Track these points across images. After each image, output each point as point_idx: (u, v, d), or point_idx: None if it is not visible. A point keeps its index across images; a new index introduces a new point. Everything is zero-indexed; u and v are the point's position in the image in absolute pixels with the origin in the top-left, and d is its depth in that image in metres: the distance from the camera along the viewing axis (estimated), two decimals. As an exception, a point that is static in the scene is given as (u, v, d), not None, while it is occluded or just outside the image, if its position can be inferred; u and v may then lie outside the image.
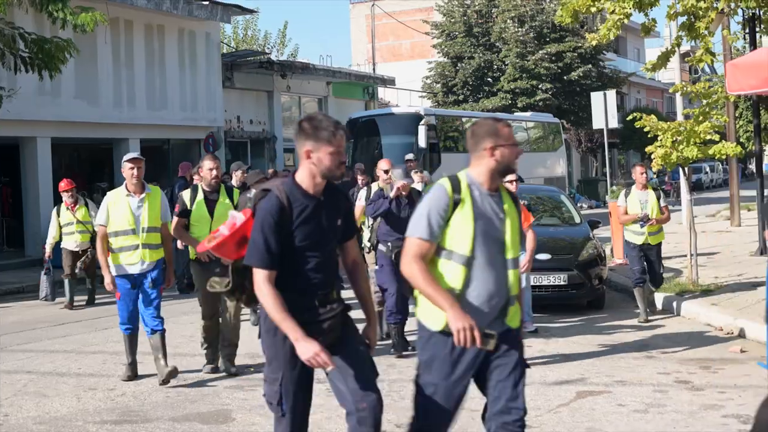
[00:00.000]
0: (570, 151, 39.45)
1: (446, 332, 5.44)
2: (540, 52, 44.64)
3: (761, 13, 18.29)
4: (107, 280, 10.21)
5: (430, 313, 5.54)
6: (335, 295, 5.77)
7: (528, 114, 39.03)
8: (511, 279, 5.62)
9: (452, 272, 5.50)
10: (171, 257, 10.70)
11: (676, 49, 18.36)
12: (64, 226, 16.77)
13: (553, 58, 44.76)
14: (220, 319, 10.79)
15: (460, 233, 5.49)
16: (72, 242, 16.79)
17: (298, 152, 5.67)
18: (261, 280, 5.48)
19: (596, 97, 24.47)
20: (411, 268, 5.47)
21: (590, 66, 45.88)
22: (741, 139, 35.04)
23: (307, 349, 5.35)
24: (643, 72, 19.81)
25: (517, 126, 35.39)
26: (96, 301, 16.97)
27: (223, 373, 10.54)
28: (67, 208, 16.77)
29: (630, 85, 65.28)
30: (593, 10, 16.91)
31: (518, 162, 5.75)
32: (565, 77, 44.96)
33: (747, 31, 21.13)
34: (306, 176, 5.62)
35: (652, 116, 16.33)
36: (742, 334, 11.94)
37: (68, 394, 9.88)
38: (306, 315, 5.53)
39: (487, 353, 5.52)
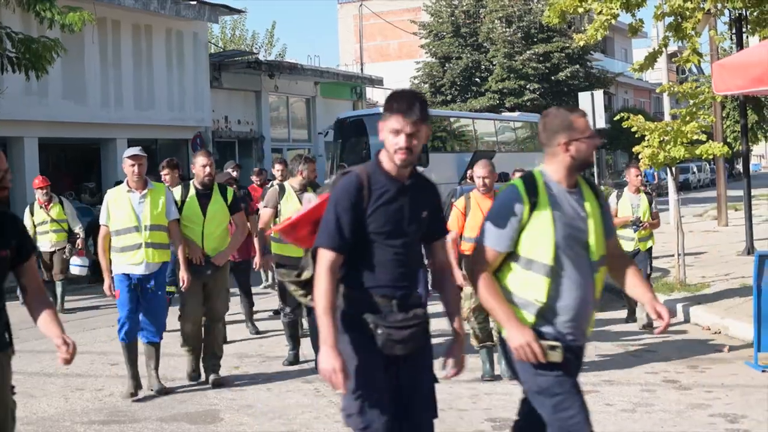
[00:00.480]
0: (558, 151, 39.45)
1: (538, 331, 5.03)
2: (528, 52, 44.73)
3: (747, 13, 18.33)
4: (107, 285, 9.69)
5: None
6: (417, 299, 5.12)
7: (516, 114, 39.06)
8: (597, 284, 5.18)
9: (533, 283, 5.03)
10: (184, 254, 9.89)
11: (663, 49, 18.40)
12: (38, 226, 16.10)
13: (541, 58, 44.83)
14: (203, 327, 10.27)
15: (540, 240, 5.01)
16: (47, 242, 16.19)
17: None
18: (324, 264, 4.89)
19: (584, 97, 24.51)
20: (477, 278, 5.07)
21: (578, 66, 45.95)
22: (728, 140, 35.15)
23: (328, 360, 4.76)
24: (631, 72, 19.83)
25: (505, 126, 35.42)
26: (66, 307, 16.36)
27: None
28: (41, 207, 16.19)
29: (617, 86, 65.39)
30: (580, 10, 16.92)
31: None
32: (552, 77, 45.02)
33: (734, 31, 21.22)
34: (386, 156, 5.03)
35: (640, 116, 16.38)
36: (728, 334, 11.98)
37: (55, 395, 9.87)
38: (380, 316, 4.96)
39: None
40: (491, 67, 45.86)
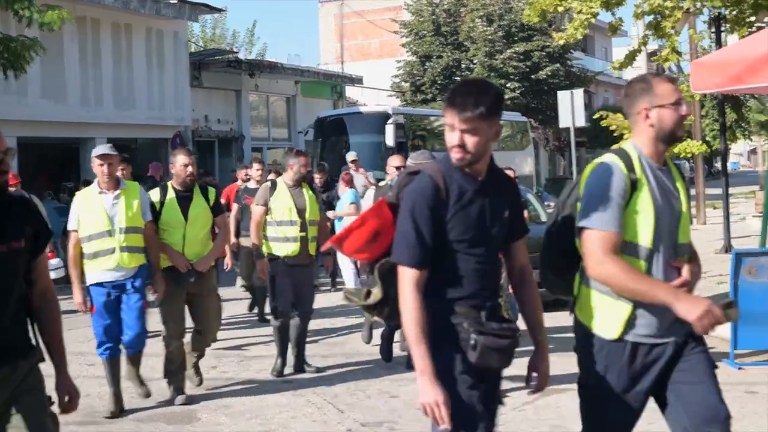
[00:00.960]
0: (538, 149, 39.56)
1: (623, 340, 4.59)
2: (508, 51, 44.77)
3: (726, 12, 18.39)
4: (77, 300, 8.91)
5: (602, 320, 4.63)
6: (503, 312, 4.58)
7: (496, 113, 39.10)
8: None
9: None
10: (158, 260, 9.15)
11: (643, 48, 18.45)
12: None
13: (521, 57, 44.89)
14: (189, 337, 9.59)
15: (641, 221, 4.53)
16: None
17: None
18: (408, 282, 4.29)
19: (563, 96, 24.45)
20: (607, 267, 4.47)
21: (558, 65, 46.03)
22: (707, 138, 35.30)
23: (429, 392, 4.15)
24: (611, 71, 19.88)
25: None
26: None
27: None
28: None
29: (598, 84, 65.51)
30: (561, 9, 16.96)
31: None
32: (533, 76, 45.08)
33: (713, 30, 21.26)
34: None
35: (618, 115, 16.42)
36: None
37: (32, 395, 9.80)
38: (475, 322, 4.41)
39: (673, 357, 4.69)
40: (472, 65, 45.92)
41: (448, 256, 4.39)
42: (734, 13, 17.33)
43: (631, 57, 17.71)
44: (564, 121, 24.27)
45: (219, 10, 34.01)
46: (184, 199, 9.37)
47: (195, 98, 30.84)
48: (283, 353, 10.46)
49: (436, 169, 4.41)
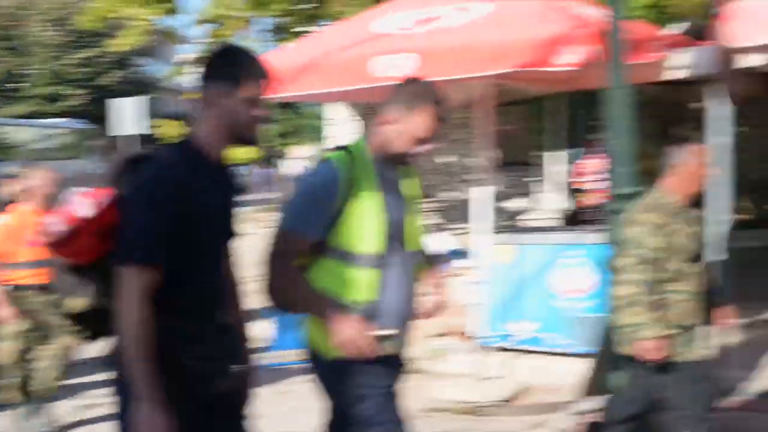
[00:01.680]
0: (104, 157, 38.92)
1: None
2: (72, 56, 43.97)
3: (283, 21, 18.94)
4: None
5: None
6: (232, 320, 3.88)
7: (61, 120, 38.12)
8: (416, 280, 4.30)
9: (356, 280, 4.03)
10: None
11: (205, 54, 18.67)
12: None
13: (86, 62, 44.23)
14: None
15: (362, 227, 4.02)
16: None
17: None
18: (134, 285, 3.44)
19: (116, 104, 23.31)
20: (277, 268, 4.04)
21: (122, 71, 45.74)
22: (272, 144, 36.27)
23: (152, 422, 3.38)
24: (178, 77, 19.82)
25: (42, 133, 34.43)
26: None
27: None
28: None
29: (166, 91, 65.68)
30: (113, 16, 16.87)
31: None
32: (96, 82, 44.49)
33: (274, 37, 21.87)
34: (210, 132, 3.67)
35: (171, 122, 16.55)
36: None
37: None
38: (202, 349, 3.66)
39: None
40: (37, 71, 44.66)
41: (183, 256, 3.60)
42: (288, 22, 17.93)
43: (192, 64, 17.91)
44: (118, 128, 23.35)
45: None
46: None
47: None
48: None
49: (172, 157, 3.64)
